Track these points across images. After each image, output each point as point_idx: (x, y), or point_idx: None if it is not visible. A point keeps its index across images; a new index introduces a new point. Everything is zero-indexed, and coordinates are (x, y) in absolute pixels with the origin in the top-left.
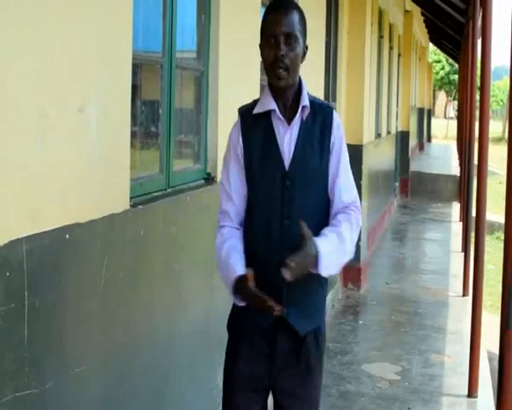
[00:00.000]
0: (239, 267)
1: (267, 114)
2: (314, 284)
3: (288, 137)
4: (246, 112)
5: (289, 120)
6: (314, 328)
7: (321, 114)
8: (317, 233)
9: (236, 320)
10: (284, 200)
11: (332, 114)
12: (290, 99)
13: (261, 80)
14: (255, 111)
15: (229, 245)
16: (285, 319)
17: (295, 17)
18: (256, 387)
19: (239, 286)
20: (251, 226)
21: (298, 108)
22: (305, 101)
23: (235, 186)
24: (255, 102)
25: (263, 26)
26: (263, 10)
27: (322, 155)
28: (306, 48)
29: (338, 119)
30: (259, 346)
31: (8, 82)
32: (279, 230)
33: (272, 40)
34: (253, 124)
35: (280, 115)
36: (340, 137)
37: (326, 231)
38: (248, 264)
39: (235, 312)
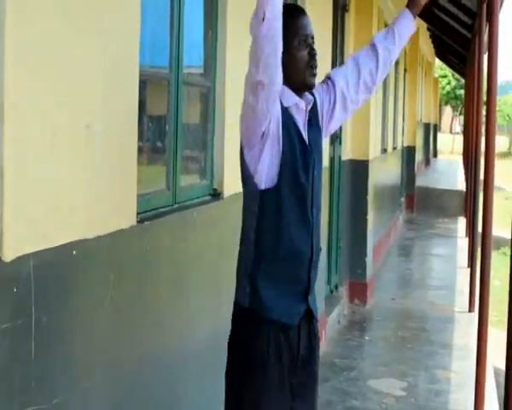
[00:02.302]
0: None
1: (286, 109)
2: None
3: (306, 128)
4: None
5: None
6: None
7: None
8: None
9: (254, 321)
10: (314, 189)
11: (312, 92)
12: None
13: None
14: (286, 105)
15: None
16: (309, 309)
17: None
18: (284, 387)
19: None
20: (279, 220)
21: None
22: (310, 96)
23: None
24: None
25: (293, 28)
26: None
27: (321, 135)
28: None
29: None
30: (285, 346)
31: (20, 102)
32: (310, 218)
33: (304, 42)
34: (283, 113)
35: (303, 106)
36: (318, 91)
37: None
38: (279, 253)
39: (254, 311)
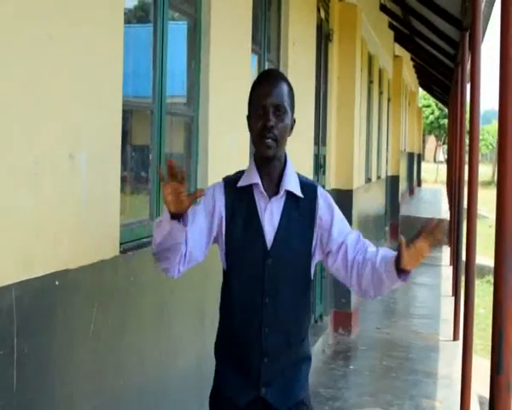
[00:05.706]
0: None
1: (250, 189)
2: (297, 360)
3: (268, 213)
4: (230, 182)
5: (272, 195)
6: (297, 402)
7: (307, 193)
8: (292, 311)
9: (216, 396)
10: (265, 278)
11: (316, 190)
12: (275, 174)
13: None
14: (239, 184)
15: None
16: (263, 399)
17: (284, 89)
18: None
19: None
20: (230, 303)
21: (280, 186)
22: (288, 185)
23: (194, 230)
24: (239, 175)
25: (251, 97)
26: (253, 58)
27: (307, 234)
28: (294, 121)
29: (322, 192)
30: None
31: (0, 129)
32: (260, 308)
33: (261, 111)
34: (237, 198)
35: (262, 189)
36: (326, 207)
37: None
38: (226, 343)
39: (215, 388)
